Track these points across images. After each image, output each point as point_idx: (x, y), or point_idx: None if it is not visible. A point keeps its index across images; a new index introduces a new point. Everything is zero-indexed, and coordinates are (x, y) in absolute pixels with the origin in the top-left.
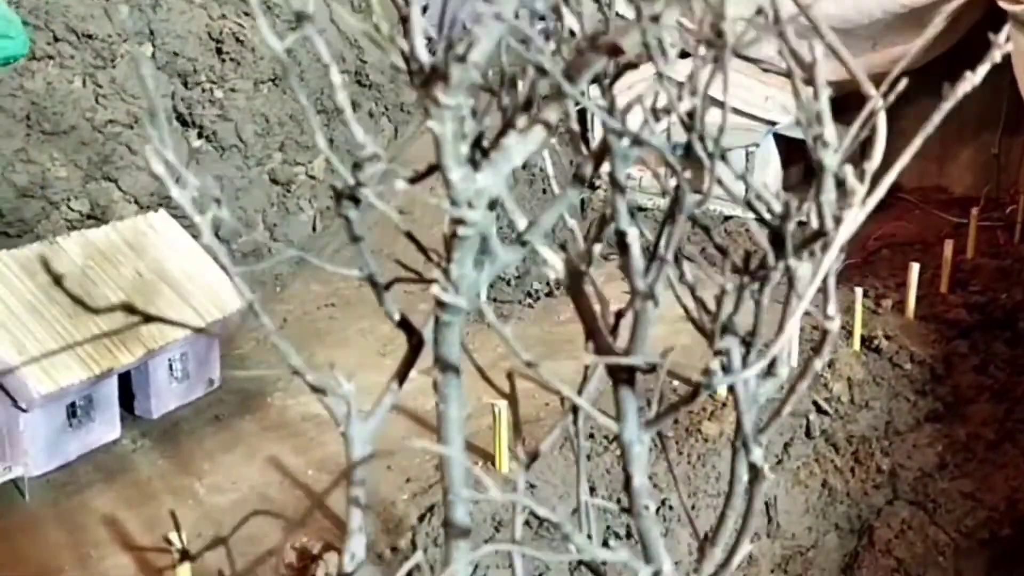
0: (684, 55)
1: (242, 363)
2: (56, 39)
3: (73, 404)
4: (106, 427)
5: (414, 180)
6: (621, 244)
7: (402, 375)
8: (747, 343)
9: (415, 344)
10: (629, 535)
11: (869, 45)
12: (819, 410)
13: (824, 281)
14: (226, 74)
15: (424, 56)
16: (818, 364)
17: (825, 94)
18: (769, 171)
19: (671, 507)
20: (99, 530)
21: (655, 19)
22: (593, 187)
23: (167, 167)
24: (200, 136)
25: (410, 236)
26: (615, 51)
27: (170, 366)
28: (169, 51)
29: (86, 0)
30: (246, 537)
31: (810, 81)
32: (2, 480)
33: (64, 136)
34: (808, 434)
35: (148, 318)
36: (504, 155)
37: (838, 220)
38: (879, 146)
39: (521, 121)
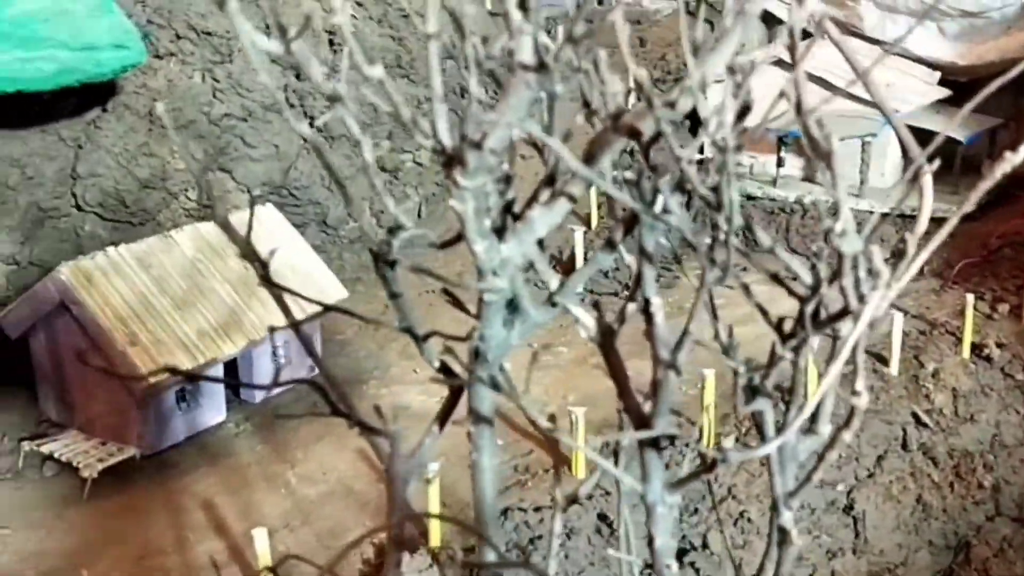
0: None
1: (343, 349)
2: (178, 37)
3: (182, 389)
4: (213, 411)
5: (444, 245)
6: (646, 312)
7: (443, 420)
8: (787, 400)
9: (455, 390)
10: (704, 546)
11: (1002, 28)
12: (918, 422)
13: (853, 355)
14: (337, 65)
15: (447, 140)
16: (847, 437)
17: (843, 184)
18: (887, 162)
19: (749, 519)
20: (198, 513)
21: (671, 105)
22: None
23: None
24: (311, 126)
25: (447, 293)
26: (634, 133)
27: (273, 352)
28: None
29: None
30: (328, 531)
31: (829, 168)
32: (116, 460)
33: (183, 130)
34: (904, 447)
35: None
36: (529, 227)
37: (863, 298)
38: (924, 215)
39: (545, 194)
